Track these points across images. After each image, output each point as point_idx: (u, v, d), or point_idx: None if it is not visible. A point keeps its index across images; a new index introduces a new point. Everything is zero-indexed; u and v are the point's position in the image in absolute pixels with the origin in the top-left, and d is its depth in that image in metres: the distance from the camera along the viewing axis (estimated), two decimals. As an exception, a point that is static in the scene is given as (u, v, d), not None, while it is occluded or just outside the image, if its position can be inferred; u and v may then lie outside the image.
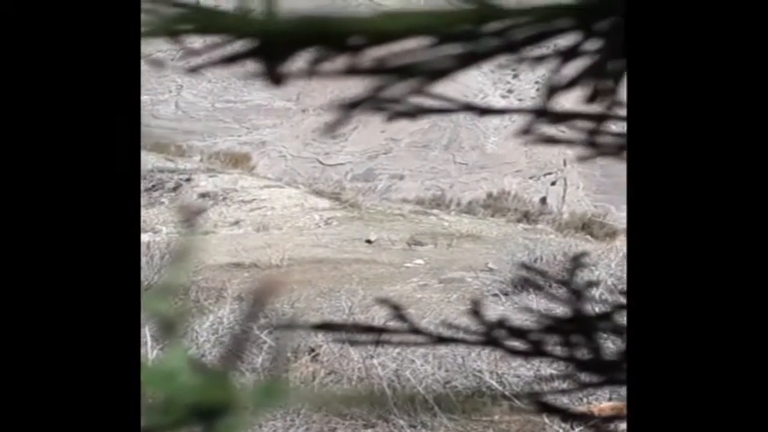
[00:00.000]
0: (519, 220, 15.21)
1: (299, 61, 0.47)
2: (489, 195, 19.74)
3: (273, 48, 0.47)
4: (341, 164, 23.46)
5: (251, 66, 0.49)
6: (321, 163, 23.53)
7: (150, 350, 4.87)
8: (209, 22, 0.49)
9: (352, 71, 0.46)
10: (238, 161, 18.76)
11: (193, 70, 0.50)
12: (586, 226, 15.21)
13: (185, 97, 24.91)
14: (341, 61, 0.46)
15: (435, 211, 15.13)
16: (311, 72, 0.47)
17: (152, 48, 0.52)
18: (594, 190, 22.31)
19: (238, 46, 0.49)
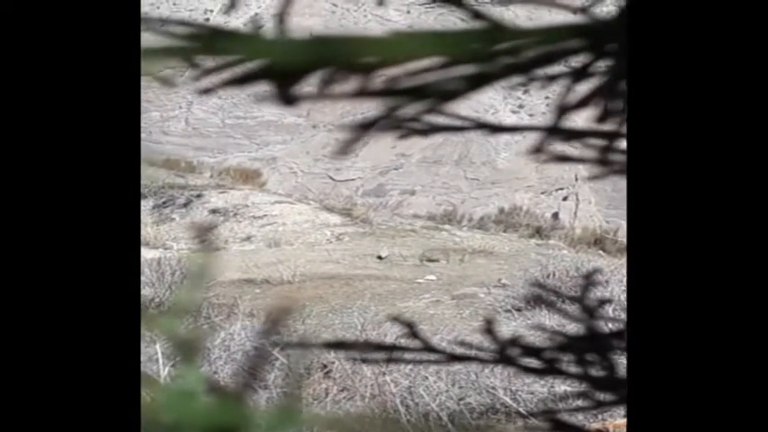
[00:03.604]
0: (531, 236, 15.18)
1: (310, 82, 0.47)
2: (501, 211, 19.71)
3: (284, 69, 0.47)
4: (351, 179, 23.48)
5: (262, 87, 0.49)
6: (332, 179, 23.56)
7: (162, 367, 4.88)
8: (219, 43, 0.49)
9: (362, 93, 0.46)
10: (249, 177, 18.79)
11: (204, 92, 0.50)
12: (599, 241, 15.16)
13: (195, 113, 24.99)
14: (352, 82, 0.46)
15: (447, 226, 15.11)
16: (322, 94, 0.47)
17: (161, 65, 0.52)
18: (606, 205, 22.26)
19: (249, 67, 0.49)
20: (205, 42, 0.49)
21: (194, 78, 0.51)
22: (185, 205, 14.98)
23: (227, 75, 0.50)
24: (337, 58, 0.45)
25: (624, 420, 3.91)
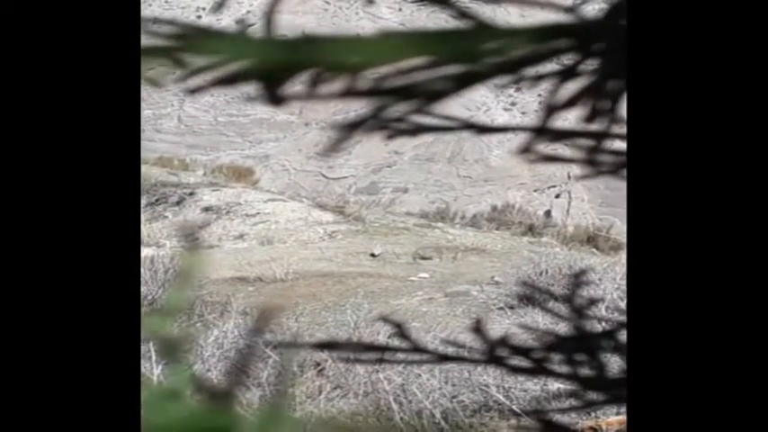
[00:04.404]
0: (524, 234, 15.19)
1: (299, 82, 0.47)
2: (494, 208, 19.72)
3: (272, 69, 0.46)
4: (344, 177, 23.48)
5: (251, 86, 0.49)
6: (324, 176, 23.56)
7: (155, 365, 4.87)
8: (207, 43, 0.49)
9: (350, 93, 0.46)
10: (242, 175, 18.77)
11: (193, 91, 0.50)
12: (591, 239, 15.17)
13: (188, 111, 24.96)
14: (340, 82, 0.46)
15: (440, 224, 15.11)
16: (310, 94, 0.47)
17: (150, 64, 0.52)
18: (599, 203, 22.30)
19: (237, 67, 0.48)
20: (193, 42, 0.49)
21: (183, 78, 0.51)
22: (178, 203, 14.97)
23: (215, 74, 0.50)
24: (325, 58, 0.45)
25: (616, 418, 3.92)
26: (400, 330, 0.80)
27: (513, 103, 25.12)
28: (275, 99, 0.47)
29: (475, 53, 0.46)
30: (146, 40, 0.51)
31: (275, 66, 0.46)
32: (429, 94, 0.47)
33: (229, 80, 0.47)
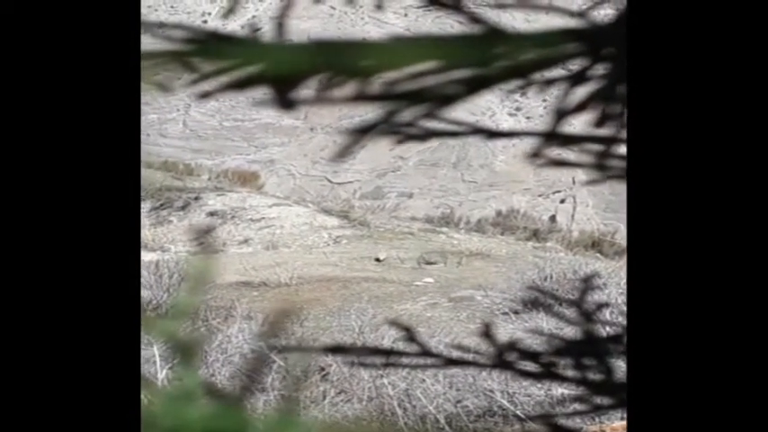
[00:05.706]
0: (528, 239, 15.17)
1: (309, 86, 0.48)
2: (498, 213, 19.69)
3: (283, 74, 0.47)
4: (349, 182, 23.46)
5: (260, 91, 0.49)
6: (329, 181, 23.54)
7: (159, 369, 4.87)
8: (217, 47, 0.49)
9: (361, 97, 0.46)
10: (247, 180, 18.78)
11: (203, 96, 0.50)
12: (596, 244, 15.16)
13: (193, 116, 24.95)
14: (350, 86, 0.46)
15: (444, 229, 15.11)
16: (320, 98, 0.47)
17: (158, 69, 0.52)
18: (604, 208, 22.26)
19: (247, 71, 0.49)
20: (203, 46, 0.49)
21: (192, 82, 0.51)
22: (183, 208, 14.98)
23: (225, 79, 0.50)
24: (336, 63, 0.45)
25: (621, 423, 3.92)
26: (408, 334, 0.80)
27: (518, 108, 25.07)
28: (286, 103, 0.47)
29: (486, 58, 0.46)
30: (155, 45, 0.51)
31: (287, 70, 0.46)
32: (440, 99, 0.47)
33: (240, 85, 0.48)
